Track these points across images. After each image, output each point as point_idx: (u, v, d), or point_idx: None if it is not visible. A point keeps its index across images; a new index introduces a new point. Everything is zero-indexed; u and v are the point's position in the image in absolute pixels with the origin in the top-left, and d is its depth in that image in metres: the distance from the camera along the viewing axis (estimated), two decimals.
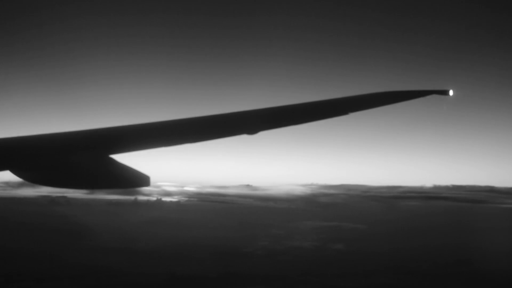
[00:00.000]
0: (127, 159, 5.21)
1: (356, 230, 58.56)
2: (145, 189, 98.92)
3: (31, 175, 5.26)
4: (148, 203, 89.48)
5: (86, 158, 5.18)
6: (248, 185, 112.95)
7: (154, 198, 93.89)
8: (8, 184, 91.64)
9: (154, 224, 59.64)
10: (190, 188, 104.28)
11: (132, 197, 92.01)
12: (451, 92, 6.04)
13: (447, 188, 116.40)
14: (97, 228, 55.40)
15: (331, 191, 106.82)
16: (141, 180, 5.26)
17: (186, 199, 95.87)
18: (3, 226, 55.46)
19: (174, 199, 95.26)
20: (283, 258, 42.02)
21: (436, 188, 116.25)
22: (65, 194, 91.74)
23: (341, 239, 50.93)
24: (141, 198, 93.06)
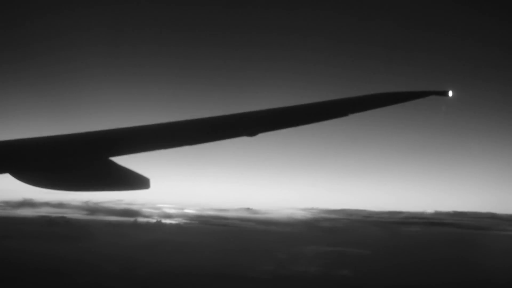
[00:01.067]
0: (127, 162, 5.20)
1: (360, 256, 57.81)
2: (145, 210, 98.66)
3: (31, 178, 5.20)
4: (148, 225, 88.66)
5: (86, 160, 5.20)
6: (248, 209, 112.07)
7: (154, 220, 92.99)
8: (8, 204, 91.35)
9: (155, 247, 58.84)
10: (190, 211, 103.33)
11: (131, 219, 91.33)
12: (450, 93, 5.98)
13: (448, 214, 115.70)
14: (97, 250, 54.59)
15: (332, 216, 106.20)
16: (141, 182, 5.24)
17: (187, 221, 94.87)
18: (2, 247, 54.59)
19: (174, 221, 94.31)
20: (290, 283, 41.29)
21: (438, 214, 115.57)
22: (64, 215, 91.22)
23: (347, 265, 50.17)
24: (141, 219, 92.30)
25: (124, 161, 5.17)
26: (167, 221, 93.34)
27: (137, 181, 5.22)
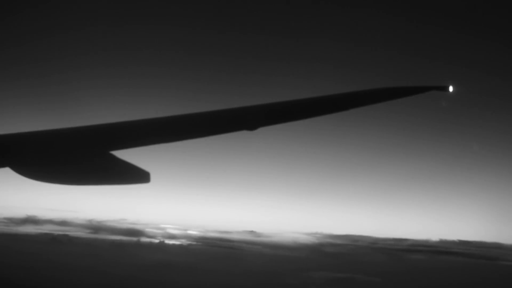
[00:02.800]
0: (128, 156, 5.22)
1: (371, 283, 56.52)
2: (148, 231, 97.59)
3: (31, 172, 5.23)
4: (151, 245, 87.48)
5: (86, 154, 5.21)
6: (251, 231, 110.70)
7: (157, 241, 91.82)
8: (11, 220, 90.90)
9: (160, 268, 57.56)
10: (193, 232, 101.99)
11: (134, 238, 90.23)
12: (450, 88, 5.84)
13: (454, 243, 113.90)
14: (99, 269, 53.44)
15: (337, 241, 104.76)
16: (141, 176, 5.29)
17: (191, 243, 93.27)
18: (4, 264, 53.45)
19: (177, 242, 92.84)
20: None
21: (443, 242, 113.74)
22: (67, 233, 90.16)
23: None
24: (144, 239, 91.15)
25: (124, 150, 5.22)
26: (171, 241, 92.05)
27: (137, 175, 5.27)
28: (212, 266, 60.39)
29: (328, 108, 5.86)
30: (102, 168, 5.21)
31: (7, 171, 5.04)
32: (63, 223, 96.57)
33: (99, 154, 5.17)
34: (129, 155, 5.31)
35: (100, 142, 5.26)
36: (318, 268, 64.14)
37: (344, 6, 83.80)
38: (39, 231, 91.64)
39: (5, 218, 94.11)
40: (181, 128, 5.50)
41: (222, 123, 5.62)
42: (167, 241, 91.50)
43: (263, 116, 5.67)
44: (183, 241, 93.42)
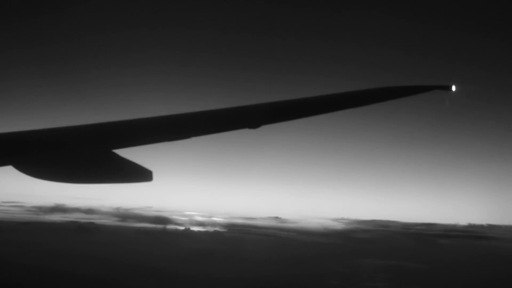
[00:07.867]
0: (130, 154, 5.20)
1: (421, 270, 53.33)
2: (173, 218, 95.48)
3: (34, 170, 5.16)
4: (177, 233, 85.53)
5: (89, 152, 5.16)
6: (277, 217, 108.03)
7: (183, 228, 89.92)
8: (41, 209, 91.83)
9: (196, 256, 54.85)
10: (218, 219, 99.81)
11: (160, 226, 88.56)
12: (453, 88, 5.87)
13: (483, 227, 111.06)
14: (127, 257, 51.12)
15: (365, 227, 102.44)
16: (143, 174, 5.23)
17: (218, 229, 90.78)
18: (35, 251, 52.32)
19: (204, 229, 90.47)
20: None
21: (472, 226, 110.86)
22: (93, 220, 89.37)
23: (413, 280, 45.87)
24: (170, 227, 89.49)
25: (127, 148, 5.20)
26: (197, 228, 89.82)
27: (140, 174, 5.21)
28: (251, 255, 57.32)
29: (331, 107, 5.86)
30: (105, 167, 5.10)
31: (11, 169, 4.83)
32: (89, 211, 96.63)
33: (102, 153, 5.09)
34: (137, 153, 5.26)
35: (103, 141, 5.24)
36: (362, 255, 61.21)
37: (347, 4, 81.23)
38: (67, 219, 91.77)
39: (34, 207, 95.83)
40: (184, 127, 5.48)
41: (225, 122, 5.61)
42: (194, 228, 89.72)
43: (264, 114, 5.69)
44: (209, 228, 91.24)
